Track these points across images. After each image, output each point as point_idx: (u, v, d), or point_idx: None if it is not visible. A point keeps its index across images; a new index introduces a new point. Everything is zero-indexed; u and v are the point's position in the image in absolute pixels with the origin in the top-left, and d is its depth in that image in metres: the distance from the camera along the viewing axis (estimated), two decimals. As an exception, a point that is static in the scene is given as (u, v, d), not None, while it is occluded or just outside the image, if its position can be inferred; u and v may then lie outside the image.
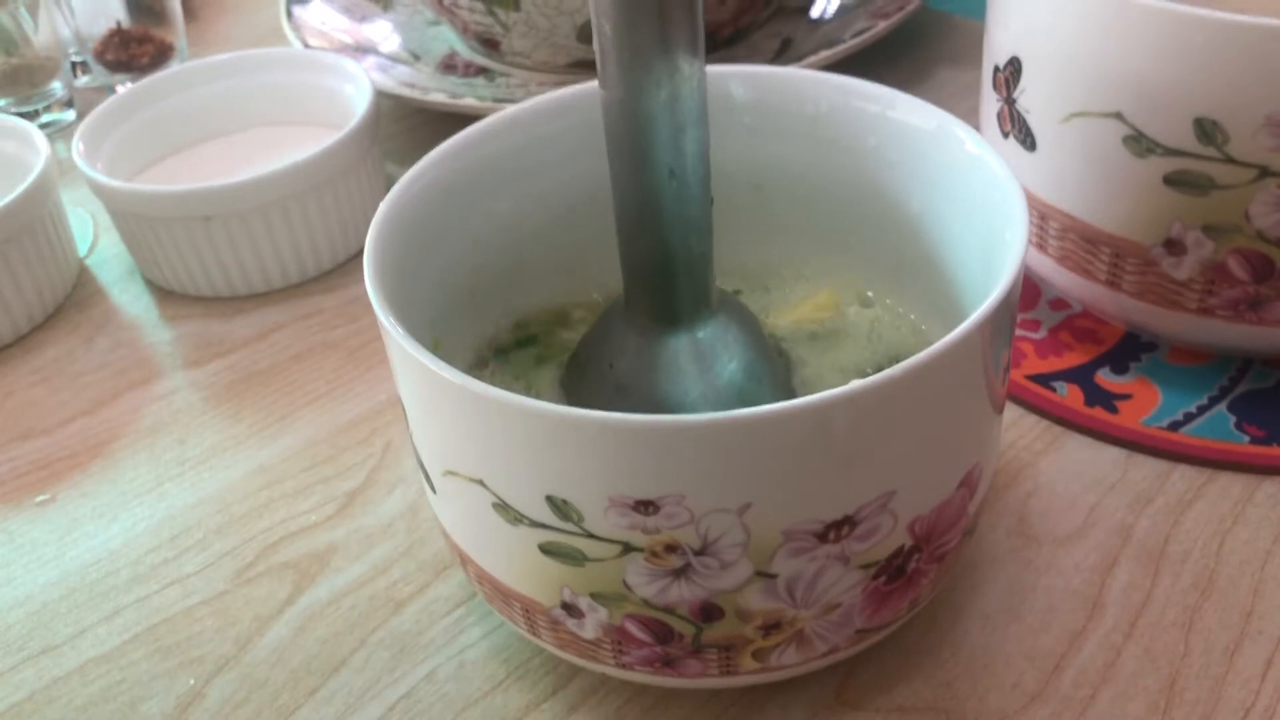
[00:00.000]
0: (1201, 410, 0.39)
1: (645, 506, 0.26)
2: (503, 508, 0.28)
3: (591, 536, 0.27)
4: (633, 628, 0.29)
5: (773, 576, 0.27)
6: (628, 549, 0.27)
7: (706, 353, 0.32)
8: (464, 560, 0.32)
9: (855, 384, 0.25)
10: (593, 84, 0.36)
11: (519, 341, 0.37)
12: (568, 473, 0.26)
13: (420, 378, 0.28)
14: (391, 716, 0.33)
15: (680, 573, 0.27)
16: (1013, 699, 0.32)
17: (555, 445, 0.26)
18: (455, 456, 0.28)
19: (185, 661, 0.35)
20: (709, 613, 0.28)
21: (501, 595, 0.31)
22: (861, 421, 0.26)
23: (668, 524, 0.26)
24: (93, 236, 0.55)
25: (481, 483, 0.28)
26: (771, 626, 0.28)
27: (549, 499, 0.27)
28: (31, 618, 0.37)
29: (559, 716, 0.33)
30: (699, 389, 0.32)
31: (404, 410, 0.31)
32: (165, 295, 0.51)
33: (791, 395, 0.34)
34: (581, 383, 0.34)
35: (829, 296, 0.38)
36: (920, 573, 0.30)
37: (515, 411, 0.26)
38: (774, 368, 0.34)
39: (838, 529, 0.27)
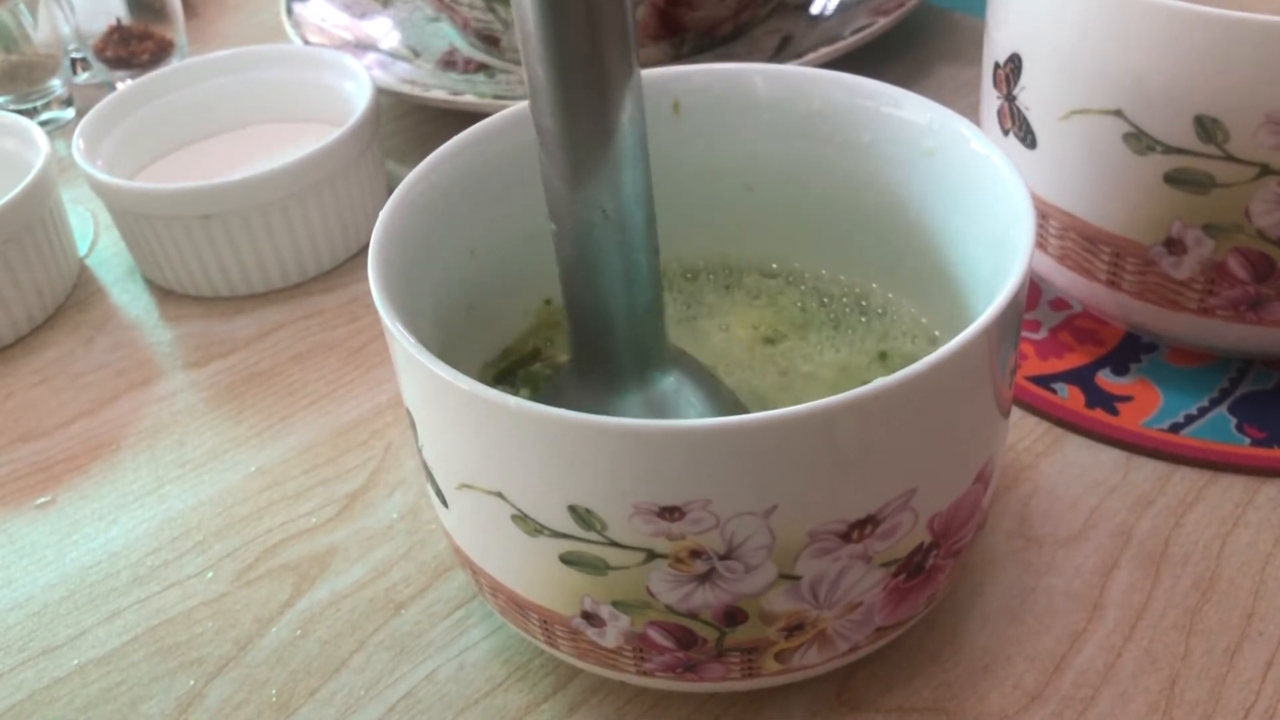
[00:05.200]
0: (1202, 412, 0.39)
1: (670, 513, 0.26)
2: (522, 519, 0.28)
3: (615, 545, 0.27)
4: (655, 634, 0.29)
5: (796, 578, 0.27)
6: (651, 556, 0.27)
7: (658, 412, 0.31)
8: (476, 573, 0.32)
9: (879, 382, 0.25)
10: None
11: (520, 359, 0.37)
12: (591, 481, 0.26)
13: (437, 391, 0.27)
14: (391, 717, 0.33)
15: (704, 578, 0.27)
16: (1013, 699, 0.32)
17: (579, 454, 0.26)
18: (472, 469, 0.28)
19: (185, 663, 0.36)
20: (733, 617, 0.28)
21: (518, 607, 0.31)
22: (886, 419, 0.26)
23: (693, 529, 0.26)
24: (93, 235, 0.55)
25: (500, 495, 0.28)
26: (794, 628, 0.28)
27: (571, 509, 0.27)
28: (32, 619, 0.37)
29: (559, 717, 0.33)
30: None
31: (412, 423, 0.30)
32: (165, 295, 0.51)
33: None
34: None
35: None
36: (938, 568, 0.30)
37: (539, 421, 0.26)
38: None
39: (861, 528, 0.27)
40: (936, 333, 0.36)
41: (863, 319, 0.37)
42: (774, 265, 0.39)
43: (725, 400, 0.33)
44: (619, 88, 0.27)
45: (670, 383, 0.32)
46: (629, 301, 0.30)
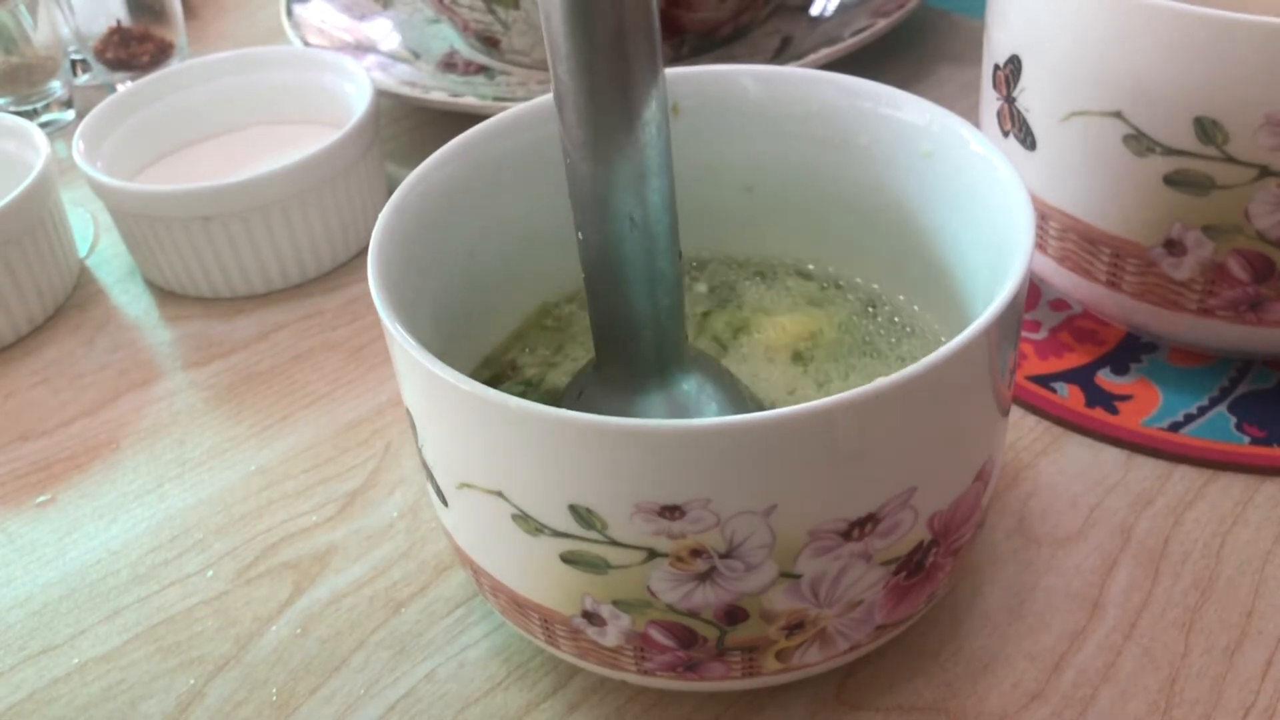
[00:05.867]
0: (1202, 411, 0.39)
1: (671, 511, 0.26)
2: (523, 519, 0.28)
3: (615, 544, 0.27)
4: (656, 633, 0.29)
5: (797, 577, 0.27)
6: (652, 555, 0.27)
7: (680, 411, 0.32)
8: (477, 573, 0.31)
9: (879, 381, 0.25)
10: None
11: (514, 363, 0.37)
12: (593, 481, 0.26)
13: (438, 391, 0.27)
14: (391, 716, 0.33)
15: (705, 576, 0.27)
16: (1013, 699, 0.32)
17: (581, 454, 0.26)
18: (473, 469, 0.28)
19: (185, 661, 0.36)
20: (733, 615, 0.28)
21: (518, 607, 0.31)
22: (885, 418, 0.26)
23: (693, 528, 0.26)
24: (93, 236, 0.55)
25: (500, 494, 0.28)
26: (795, 627, 0.28)
27: (572, 508, 0.27)
28: (32, 618, 0.37)
29: (559, 716, 0.33)
30: None
31: (411, 423, 0.30)
32: (165, 295, 0.51)
33: None
34: None
35: (805, 324, 0.37)
36: (938, 567, 0.30)
37: (541, 421, 0.26)
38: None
39: (861, 527, 0.27)
40: (933, 331, 0.36)
41: (882, 331, 0.37)
42: (774, 263, 0.39)
43: (743, 400, 0.33)
44: (647, 96, 0.27)
45: (691, 383, 0.32)
46: (653, 306, 0.30)
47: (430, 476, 0.31)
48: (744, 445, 0.25)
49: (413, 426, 0.30)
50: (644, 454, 0.25)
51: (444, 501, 0.31)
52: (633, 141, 0.28)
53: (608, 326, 0.31)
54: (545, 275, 0.38)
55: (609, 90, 0.27)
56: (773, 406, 0.34)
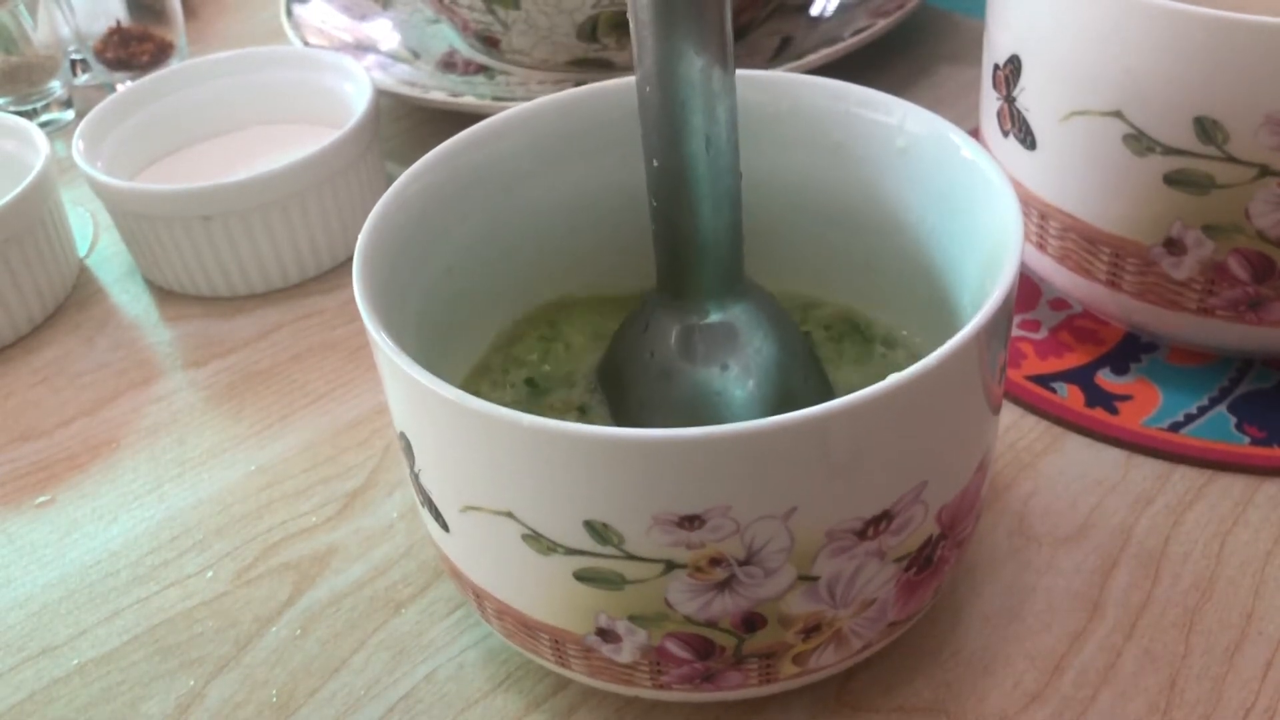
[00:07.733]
0: (1202, 411, 0.39)
1: (690, 521, 0.26)
2: (534, 538, 0.27)
3: (632, 558, 0.27)
4: (673, 646, 0.28)
5: (814, 579, 0.27)
6: (670, 566, 0.27)
7: (742, 329, 0.33)
8: (480, 596, 0.31)
9: (894, 378, 0.25)
10: (557, 95, 0.35)
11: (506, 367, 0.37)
12: (609, 495, 0.26)
13: (446, 414, 0.27)
14: (391, 717, 0.33)
15: (724, 585, 0.27)
16: (1013, 699, 0.32)
17: (598, 469, 0.25)
18: (479, 490, 0.28)
19: (185, 662, 0.35)
20: (751, 623, 0.28)
21: (526, 629, 0.30)
22: (899, 416, 0.26)
23: (712, 537, 0.26)
24: (93, 236, 0.55)
25: (510, 514, 0.27)
26: (812, 630, 0.28)
27: (587, 524, 0.26)
28: (31, 619, 0.37)
29: (558, 717, 0.33)
30: (739, 365, 0.33)
31: (406, 446, 0.30)
32: (165, 295, 0.51)
33: (820, 368, 0.35)
34: (623, 373, 0.34)
35: None
36: (944, 560, 0.30)
37: (555, 438, 0.25)
38: (804, 342, 0.35)
39: (876, 525, 0.27)
40: (905, 332, 0.36)
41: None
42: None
43: (792, 321, 0.35)
44: (718, 17, 0.30)
45: (750, 301, 0.33)
46: (719, 223, 0.32)
47: (429, 502, 0.30)
48: (765, 450, 0.25)
49: (407, 451, 0.30)
50: (664, 465, 0.25)
51: (445, 527, 0.30)
52: (707, 63, 0.30)
53: (677, 249, 0.33)
54: (520, 295, 0.38)
55: (683, 14, 0.29)
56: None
